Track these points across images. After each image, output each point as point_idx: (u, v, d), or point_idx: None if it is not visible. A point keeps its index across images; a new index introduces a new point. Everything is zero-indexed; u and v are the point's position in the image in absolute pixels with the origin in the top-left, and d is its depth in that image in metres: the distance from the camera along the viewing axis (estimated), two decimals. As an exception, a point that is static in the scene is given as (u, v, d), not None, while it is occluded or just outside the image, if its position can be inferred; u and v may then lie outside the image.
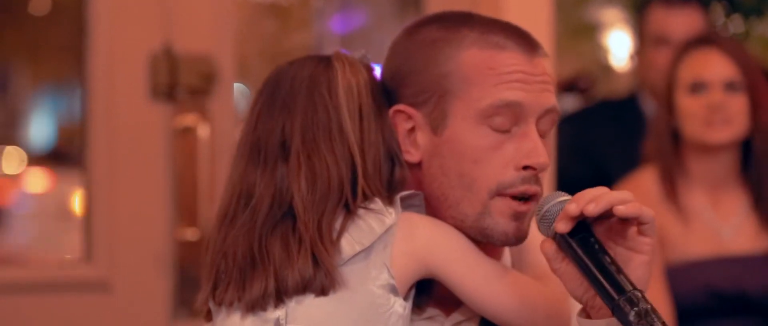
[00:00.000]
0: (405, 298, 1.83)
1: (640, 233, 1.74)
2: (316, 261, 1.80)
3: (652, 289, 1.81)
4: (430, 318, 1.91)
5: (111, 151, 3.67)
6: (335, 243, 1.81)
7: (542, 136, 1.89)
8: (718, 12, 6.05)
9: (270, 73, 1.97)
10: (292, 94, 1.91)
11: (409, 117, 1.90)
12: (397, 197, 1.86)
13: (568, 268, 1.75)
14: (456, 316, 1.92)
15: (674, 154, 3.32)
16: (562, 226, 1.71)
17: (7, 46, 4.01)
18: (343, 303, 1.80)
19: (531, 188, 1.86)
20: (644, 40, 4.05)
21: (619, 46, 7.19)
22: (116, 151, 3.68)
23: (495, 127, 1.87)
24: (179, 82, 3.69)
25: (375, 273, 1.81)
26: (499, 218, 1.86)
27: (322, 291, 1.80)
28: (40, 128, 4.06)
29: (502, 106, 1.86)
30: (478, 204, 1.86)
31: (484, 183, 1.86)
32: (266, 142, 1.89)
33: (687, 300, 3.26)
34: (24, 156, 4.05)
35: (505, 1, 3.51)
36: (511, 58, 1.87)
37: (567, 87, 5.55)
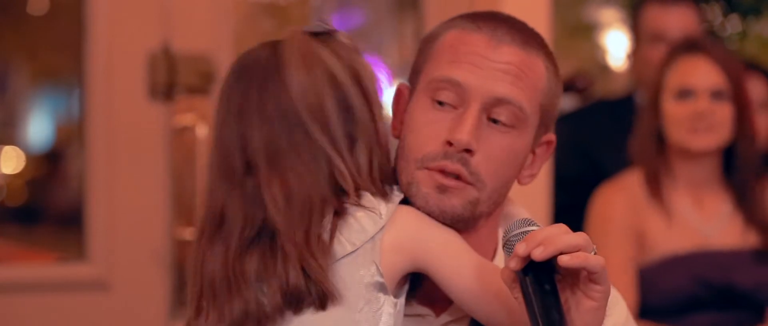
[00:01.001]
0: (396, 293, 1.80)
1: (591, 281, 1.70)
2: (306, 275, 1.74)
3: (621, 286, 1.79)
4: (420, 316, 1.91)
5: (109, 150, 3.68)
6: (328, 250, 1.76)
7: (492, 127, 1.84)
8: (716, 11, 6.05)
9: (229, 67, 1.86)
10: (246, 99, 1.80)
11: (405, 97, 1.93)
12: (396, 194, 1.83)
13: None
14: (445, 317, 1.92)
15: (659, 156, 3.36)
16: (513, 264, 1.68)
17: (5, 46, 4.01)
18: (335, 305, 1.75)
19: (450, 165, 1.83)
20: (639, 38, 4.06)
21: (616, 45, 7.20)
22: (114, 150, 3.68)
23: (439, 102, 1.85)
24: (177, 82, 3.70)
25: (364, 270, 1.77)
26: (422, 187, 1.84)
27: (321, 305, 1.75)
28: (39, 127, 4.06)
29: (444, 81, 1.85)
30: (408, 174, 1.86)
31: (412, 153, 1.86)
32: (229, 155, 1.80)
33: (675, 291, 3.28)
34: (22, 155, 4.05)
35: (503, 1, 3.52)
36: (476, 41, 1.86)
37: (564, 86, 5.55)
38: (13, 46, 4.01)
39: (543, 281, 1.68)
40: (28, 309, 3.64)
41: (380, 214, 1.79)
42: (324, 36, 1.85)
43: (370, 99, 1.84)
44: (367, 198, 1.80)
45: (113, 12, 3.67)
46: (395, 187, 1.85)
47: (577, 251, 1.67)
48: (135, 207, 3.69)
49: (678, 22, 3.97)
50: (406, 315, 1.87)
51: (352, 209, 1.79)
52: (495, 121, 1.85)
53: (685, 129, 3.32)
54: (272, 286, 1.74)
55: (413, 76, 1.93)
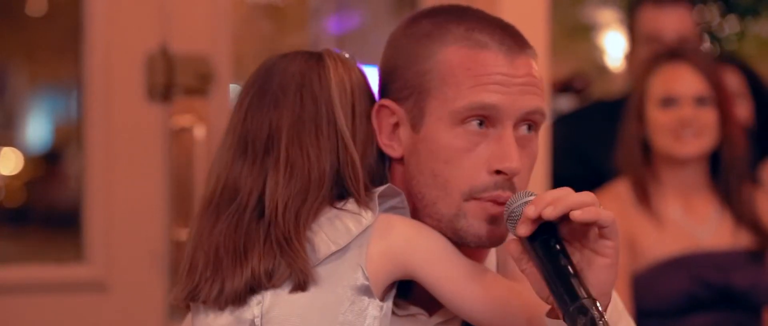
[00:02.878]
0: (383, 298, 1.81)
1: (602, 236, 1.71)
2: (291, 257, 1.78)
3: (616, 289, 1.80)
4: (412, 316, 1.90)
5: (107, 151, 3.68)
6: (311, 240, 1.79)
7: (524, 138, 1.87)
8: (714, 12, 6.07)
9: (260, 65, 1.95)
10: (282, 89, 1.88)
11: (393, 112, 1.90)
12: (375, 195, 1.83)
13: (534, 269, 1.73)
14: (436, 318, 1.92)
15: (645, 164, 3.39)
16: (522, 229, 1.69)
17: (3, 47, 4.01)
18: (318, 304, 1.77)
19: (504, 194, 1.83)
20: (636, 39, 4.07)
21: (614, 46, 7.21)
22: (113, 151, 3.68)
23: (469, 128, 1.84)
24: (175, 83, 3.70)
25: (350, 273, 1.78)
26: (473, 220, 1.84)
27: (299, 287, 1.77)
28: (37, 128, 4.06)
29: (477, 108, 1.83)
30: (452, 205, 1.84)
31: (456, 185, 1.84)
32: (254, 136, 1.87)
33: (674, 293, 3.29)
34: (20, 156, 4.05)
35: (501, 1, 3.52)
36: (490, 58, 1.85)
37: (562, 87, 5.57)
38: (12, 48, 4.01)
39: (553, 244, 1.69)
40: (26, 310, 3.64)
41: (365, 219, 1.81)
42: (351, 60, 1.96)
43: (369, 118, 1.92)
44: (353, 204, 1.83)
45: (111, 13, 3.67)
46: (376, 191, 1.85)
47: (588, 207, 1.68)
48: (133, 208, 3.69)
49: (673, 23, 3.98)
50: (399, 316, 1.87)
51: (336, 211, 1.82)
52: (530, 128, 1.88)
53: (670, 136, 3.35)
54: (263, 264, 1.79)
55: (405, 94, 1.89)
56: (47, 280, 3.71)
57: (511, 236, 1.78)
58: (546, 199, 1.68)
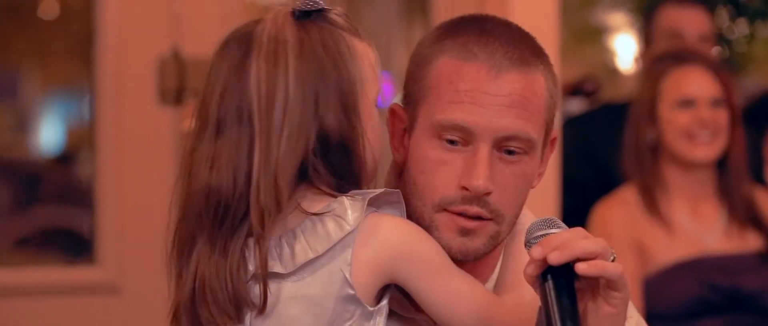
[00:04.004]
0: (376, 303, 1.74)
1: (609, 287, 1.67)
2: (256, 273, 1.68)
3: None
4: (413, 319, 1.85)
5: (119, 154, 3.69)
6: (292, 246, 1.69)
7: (507, 159, 1.80)
8: (724, 15, 6.06)
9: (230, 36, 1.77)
10: (204, 98, 1.73)
11: (400, 117, 1.87)
12: (365, 198, 1.72)
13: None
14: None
15: (653, 170, 3.39)
16: (530, 269, 1.66)
17: (16, 51, 4.02)
18: (304, 313, 1.69)
19: (470, 209, 1.79)
20: (653, 39, 4.08)
21: (624, 49, 7.21)
22: (124, 154, 3.69)
23: (444, 143, 1.80)
24: (187, 86, 3.71)
25: (333, 282, 1.69)
26: (444, 232, 1.80)
27: (260, 310, 1.69)
28: (50, 132, 4.08)
29: (449, 126, 1.78)
30: (426, 215, 1.81)
31: (429, 195, 1.81)
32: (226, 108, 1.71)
33: (684, 297, 3.29)
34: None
35: (511, 5, 3.52)
36: (473, 72, 1.79)
37: (573, 90, 5.57)
38: (24, 51, 4.03)
39: (561, 285, 1.65)
40: (39, 312, 3.66)
41: (347, 223, 1.70)
42: (314, 15, 1.75)
43: (351, 91, 1.74)
44: (336, 202, 1.71)
45: (123, 17, 3.69)
46: (364, 192, 1.75)
47: (594, 258, 1.65)
48: (145, 210, 3.70)
49: (696, 22, 4.01)
50: (403, 317, 1.85)
51: (317, 214, 1.70)
52: (508, 152, 1.80)
53: (685, 138, 3.35)
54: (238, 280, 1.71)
55: (408, 99, 1.86)
56: (59, 282, 3.72)
57: (519, 254, 1.76)
58: (554, 243, 1.64)
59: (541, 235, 1.69)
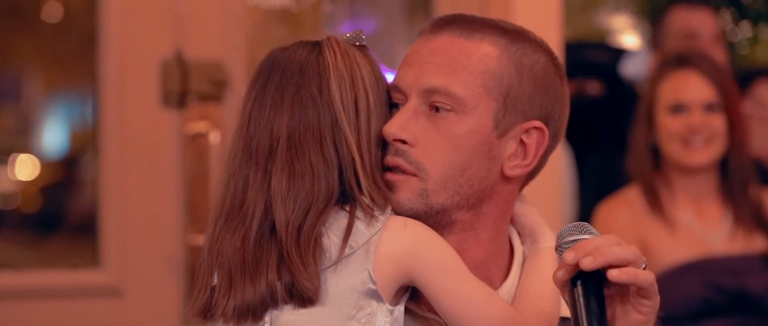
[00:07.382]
0: (395, 302, 1.80)
1: (640, 295, 1.70)
2: (295, 272, 1.75)
3: None
4: (426, 319, 1.89)
5: (123, 157, 3.69)
6: (317, 249, 1.77)
7: (435, 116, 1.86)
8: (727, 18, 6.06)
9: (263, 59, 1.92)
10: (281, 90, 1.85)
11: None
12: (389, 199, 1.84)
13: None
14: None
15: (656, 171, 3.39)
16: (560, 275, 1.68)
17: (19, 53, 4.02)
18: (325, 311, 1.75)
19: (390, 160, 1.86)
20: (663, 41, 4.11)
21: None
22: (128, 157, 3.69)
23: (393, 105, 1.89)
24: (190, 89, 3.71)
25: (357, 277, 1.77)
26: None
27: (303, 302, 1.76)
28: (53, 134, 4.08)
29: (392, 89, 1.89)
30: None
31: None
32: (257, 143, 1.84)
33: (688, 298, 3.29)
34: (37, 162, 4.06)
35: (514, 7, 3.52)
36: (416, 43, 1.91)
37: (576, 92, 5.57)
38: (27, 54, 4.03)
39: (590, 292, 1.66)
40: (42, 315, 3.65)
41: (378, 221, 1.80)
42: (358, 47, 1.90)
43: (383, 109, 1.88)
44: (368, 203, 1.81)
45: (126, 19, 3.69)
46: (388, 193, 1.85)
47: (627, 265, 1.66)
48: (148, 213, 3.70)
49: (706, 22, 4.04)
50: (418, 315, 1.86)
51: (343, 213, 1.80)
52: (436, 109, 1.86)
53: (679, 143, 3.36)
54: (274, 278, 1.77)
55: None
56: (63, 286, 3.72)
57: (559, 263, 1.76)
58: (587, 248, 1.66)
59: (573, 241, 1.70)
